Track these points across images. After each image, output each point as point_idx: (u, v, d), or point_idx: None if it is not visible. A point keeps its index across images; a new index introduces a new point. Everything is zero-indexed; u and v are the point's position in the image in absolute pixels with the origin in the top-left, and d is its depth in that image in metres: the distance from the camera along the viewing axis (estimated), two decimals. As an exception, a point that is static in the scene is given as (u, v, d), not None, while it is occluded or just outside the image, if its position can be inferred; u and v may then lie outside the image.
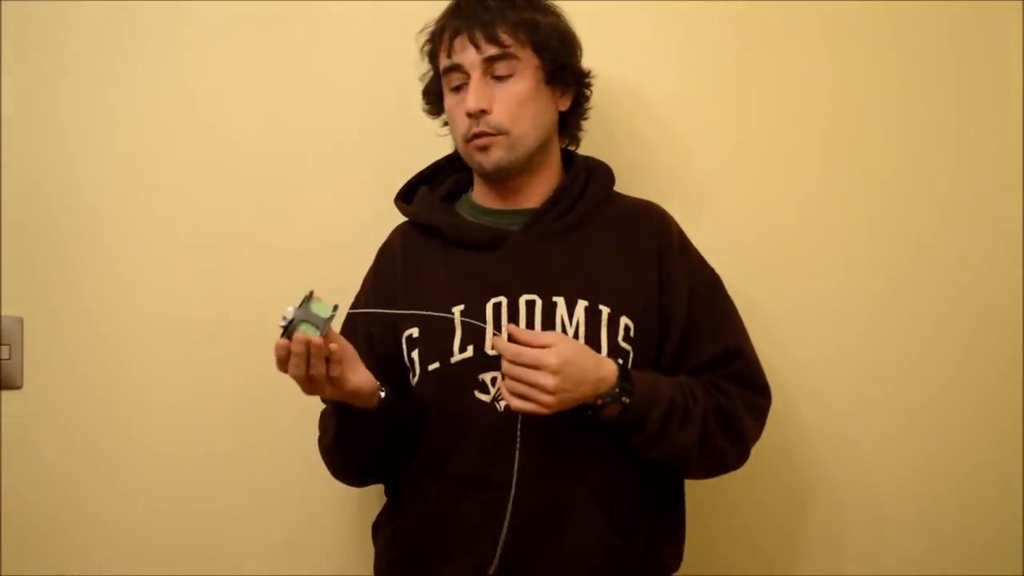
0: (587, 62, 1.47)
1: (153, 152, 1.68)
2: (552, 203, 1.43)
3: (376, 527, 1.51)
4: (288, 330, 1.21)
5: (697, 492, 1.50)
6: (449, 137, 1.49)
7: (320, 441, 1.46)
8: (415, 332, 1.40)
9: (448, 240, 1.43)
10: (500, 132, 1.38)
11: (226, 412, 1.68)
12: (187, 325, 1.68)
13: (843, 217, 1.74)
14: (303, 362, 1.22)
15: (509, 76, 1.38)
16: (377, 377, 1.32)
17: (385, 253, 1.51)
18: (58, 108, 1.66)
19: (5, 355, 1.65)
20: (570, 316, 1.36)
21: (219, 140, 1.69)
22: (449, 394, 1.37)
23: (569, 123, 1.49)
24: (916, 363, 1.75)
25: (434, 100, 1.48)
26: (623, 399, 1.29)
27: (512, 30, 1.38)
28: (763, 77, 1.73)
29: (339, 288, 1.29)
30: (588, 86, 1.48)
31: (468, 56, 1.38)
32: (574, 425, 1.30)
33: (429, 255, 1.45)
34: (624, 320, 1.37)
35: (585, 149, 1.55)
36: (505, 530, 1.29)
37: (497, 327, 1.35)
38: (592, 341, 1.35)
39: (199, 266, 1.68)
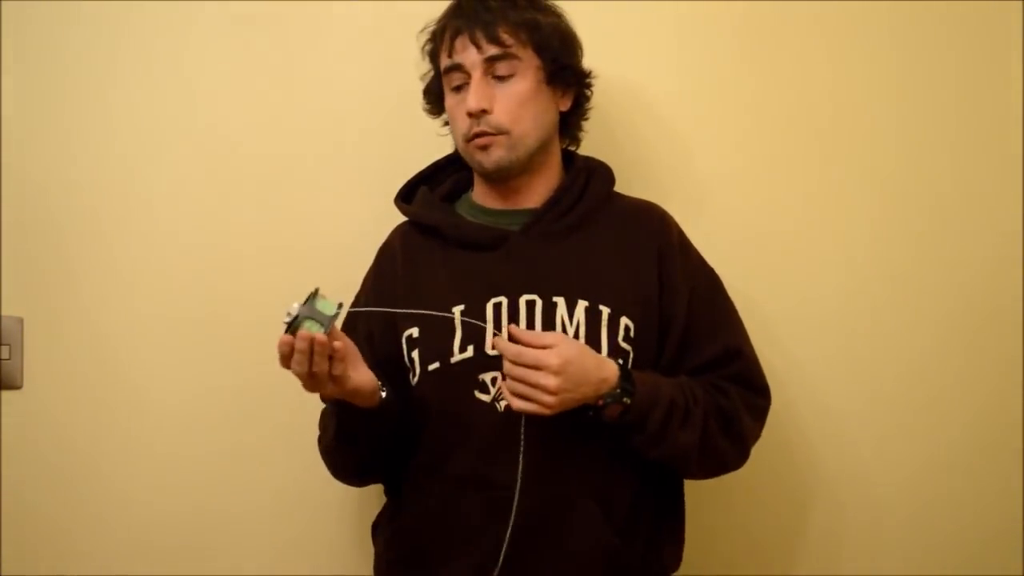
0: (588, 62, 1.47)
1: (153, 152, 1.68)
2: (552, 203, 1.43)
3: (376, 527, 1.51)
4: (292, 326, 1.21)
5: (697, 492, 1.50)
6: (449, 137, 1.50)
7: (320, 441, 1.46)
8: (415, 332, 1.40)
9: (448, 240, 1.43)
10: (501, 132, 1.38)
11: (226, 412, 1.68)
12: (187, 325, 1.68)
13: (843, 217, 1.74)
14: (306, 359, 1.22)
15: (510, 76, 1.38)
16: (378, 377, 1.33)
17: (385, 253, 1.51)
18: (58, 108, 1.66)
19: (5, 355, 1.65)
20: (570, 316, 1.36)
21: (219, 140, 1.69)
22: (449, 394, 1.37)
23: (570, 123, 1.49)
24: (916, 363, 1.75)
25: (435, 100, 1.48)
26: (624, 400, 1.29)
27: (513, 30, 1.38)
28: (763, 77, 1.73)
29: (339, 288, 1.29)
30: (589, 86, 1.48)
31: (469, 56, 1.38)
32: (574, 425, 1.30)
33: (429, 255, 1.44)
34: (624, 320, 1.37)
35: (585, 149, 1.55)
36: (510, 531, 1.30)
37: (497, 327, 1.35)
38: (592, 341, 1.35)
39: (199, 266, 1.68)
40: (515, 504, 1.30)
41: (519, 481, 1.30)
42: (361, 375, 1.29)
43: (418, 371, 1.39)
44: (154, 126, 1.68)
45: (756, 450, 1.45)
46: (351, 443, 1.38)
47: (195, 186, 1.68)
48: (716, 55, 1.73)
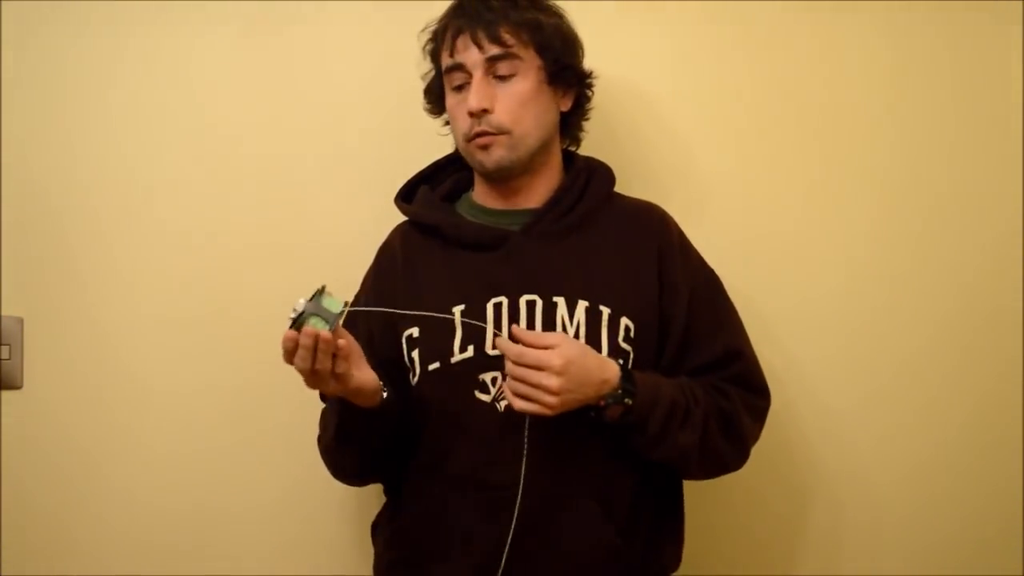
0: (588, 62, 1.47)
1: (153, 152, 1.68)
2: (553, 203, 1.43)
3: (376, 527, 1.51)
4: (297, 322, 1.21)
5: (697, 492, 1.50)
6: (450, 137, 1.50)
7: (320, 440, 1.46)
8: (415, 332, 1.40)
9: (448, 240, 1.43)
10: (502, 132, 1.38)
11: (226, 412, 1.68)
12: (187, 325, 1.67)
13: (842, 217, 1.74)
14: (310, 355, 1.22)
15: (511, 76, 1.38)
16: (379, 376, 1.32)
17: (385, 252, 1.51)
18: (59, 108, 1.66)
19: (5, 355, 1.65)
20: (570, 316, 1.36)
21: (219, 140, 1.69)
22: (449, 394, 1.37)
23: (570, 123, 1.49)
24: (915, 362, 1.75)
25: (435, 99, 1.48)
26: (626, 400, 1.29)
27: (515, 30, 1.38)
28: (763, 77, 1.73)
29: (339, 288, 1.29)
30: (590, 87, 1.48)
31: (470, 55, 1.38)
32: (575, 425, 1.30)
33: (429, 255, 1.44)
34: (624, 321, 1.37)
35: (586, 149, 1.55)
36: (512, 531, 1.30)
37: (498, 327, 1.35)
38: (592, 342, 1.35)
39: (199, 266, 1.68)
40: (518, 504, 1.30)
41: (522, 481, 1.30)
42: (364, 374, 1.29)
43: (418, 371, 1.39)
44: (154, 126, 1.68)
45: (756, 450, 1.45)
46: (351, 442, 1.38)
47: (195, 185, 1.68)
48: (717, 55, 1.73)
